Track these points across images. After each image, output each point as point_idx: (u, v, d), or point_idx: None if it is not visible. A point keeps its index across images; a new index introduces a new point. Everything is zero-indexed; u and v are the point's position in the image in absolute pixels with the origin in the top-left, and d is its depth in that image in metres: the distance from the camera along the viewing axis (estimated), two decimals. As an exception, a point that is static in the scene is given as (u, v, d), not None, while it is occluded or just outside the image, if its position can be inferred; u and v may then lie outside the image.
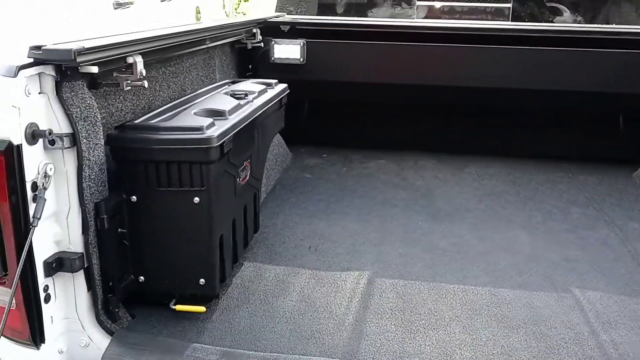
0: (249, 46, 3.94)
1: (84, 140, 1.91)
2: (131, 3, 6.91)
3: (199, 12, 9.27)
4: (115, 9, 6.77)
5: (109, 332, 2.05)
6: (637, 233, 3.10)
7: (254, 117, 2.52)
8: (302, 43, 3.98)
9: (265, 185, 3.52)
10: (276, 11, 4.79)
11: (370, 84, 4.12)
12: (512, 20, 4.57)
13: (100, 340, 2.03)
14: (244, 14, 12.78)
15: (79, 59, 1.78)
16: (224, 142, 2.12)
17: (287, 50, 4.03)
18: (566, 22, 4.55)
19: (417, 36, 4.00)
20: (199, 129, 2.08)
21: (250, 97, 2.64)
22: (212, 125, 2.14)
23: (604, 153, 4.26)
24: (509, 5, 4.58)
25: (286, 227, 3.06)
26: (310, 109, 4.60)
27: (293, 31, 4.08)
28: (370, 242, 2.92)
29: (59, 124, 1.86)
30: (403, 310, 2.31)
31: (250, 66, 4.07)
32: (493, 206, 3.45)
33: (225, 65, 3.68)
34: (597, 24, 4.60)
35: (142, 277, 2.21)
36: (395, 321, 2.24)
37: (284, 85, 3.12)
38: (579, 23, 4.61)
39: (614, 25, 4.47)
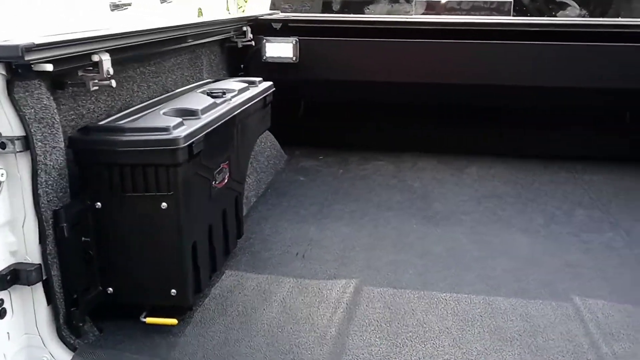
0: (240, 45, 3.81)
1: (39, 144, 1.78)
2: (129, 4, 6.80)
3: (202, 14, 9.17)
4: (112, 10, 6.66)
5: (72, 348, 1.92)
6: None
7: (231, 116, 2.38)
8: (294, 41, 3.84)
9: (256, 188, 3.39)
10: (270, 9, 4.66)
11: (367, 83, 3.98)
12: (513, 15, 4.41)
13: (62, 357, 1.91)
14: (249, 16, 12.64)
15: (28, 57, 1.66)
16: (192, 142, 1.98)
17: (280, 49, 3.90)
18: (569, 16, 4.38)
19: (414, 33, 3.85)
20: (165, 129, 1.95)
21: (228, 95, 2.51)
22: (180, 125, 2.00)
23: (610, 151, 4.08)
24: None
25: (274, 233, 2.92)
26: (307, 109, 4.47)
27: (285, 29, 3.95)
28: (361, 248, 2.78)
29: (11, 126, 1.74)
30: (390, 322, 2.16)
31: (242, 65, 3.94)
32: (492, 208, 3.29)
33: (214, 64, 3.56)
34: (601, 17, 4.42)
35: (110, 289, 2.08)
36: (381, 334, 2.09)
37: (268, 84, 2.98)
38: (582, 17, 4.43)
39: (618, 19, 4.29)
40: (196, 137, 2.02)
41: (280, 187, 3.58)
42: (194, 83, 3.11)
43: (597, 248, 2.79)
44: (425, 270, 2.55)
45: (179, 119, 2.04)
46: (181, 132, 1.96)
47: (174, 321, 2.07)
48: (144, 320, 2.08)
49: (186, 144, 1.94)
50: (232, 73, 3.84)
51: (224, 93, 2.52)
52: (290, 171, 3.88)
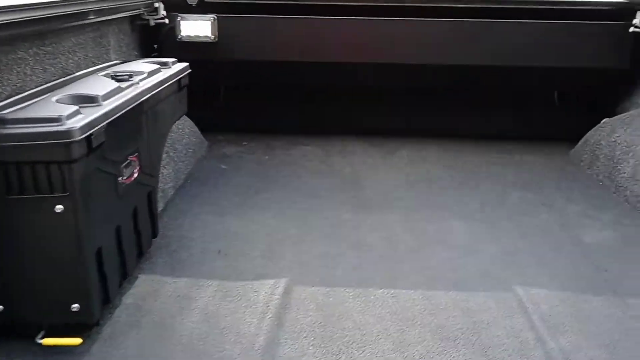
0: (152, 23, 3.49)
1: None
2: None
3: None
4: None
5: (-49, 381, 1.63)
6: (577, 216, 2.87)
7: (139, 102, 2.10)
8: (212, 19, 3.56)
9: (174, 180, 3.11)
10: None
11: (291, 63, 3.76)
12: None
13: (-61, 393, 1.61)
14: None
15: None
16: (92, 134, 1.70)
17: (196, 27, 3.61)
18: None
19: (340, 10, 3.65)
20: (56, 119, 1.66)
21: (135, 78, 2.22)
22: (75, 114, 1.72)
23: (540, 130, 4.04)
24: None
25: (194, 228, 2.67)
26: (228, 92, 4.19)
27: (202, 5, 3.65)
28: (289, 241, 2.57)
29: None
30: (324, 326, 1.97)
31: (155, 46, 3.63)
32: (426, 193, 3.15)
33: (123, 44, 3.23)
34: None
35: (0, 307, 1.78)
36: (315, 340, 1.90)
37: (183, 65, 2.70)
38: None
39: None
40: (96, 128, 1.73)
41: (200, 176, 3.32)
42: (99, 65, 2.79)
43: (533, 232, 2.70)
44: (359, 264, 2.38)
45: (74, 107, 1.75)
46: (76, 123, 1.67)
47: (77, 340, 1.80)
48: (41, 341, 1.79)
49: (83, 136, 1.66)
50: (145, 54, 3.53)
51: (130, 76, 2.22)
52: (211, 159, 3.62)
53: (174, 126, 3.17)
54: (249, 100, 4.20)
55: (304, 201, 3.01)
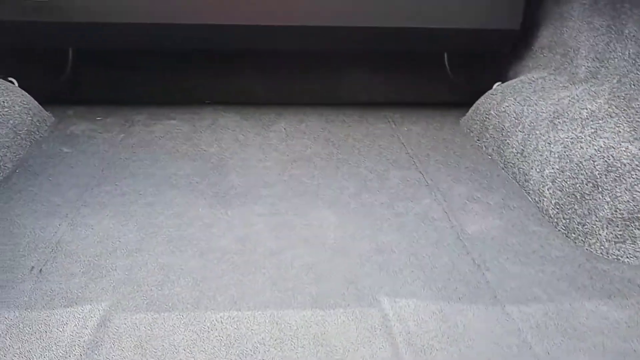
0: None
1: None
2: None
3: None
4: None
5: None
6: (462, 200, 2.58)
7: None
8: None
9: (-4, 170, 2.58)
10: None
11: (152, 25, 3.24)
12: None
13: None
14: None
15: None
16: None
17: None
18: None
19: None
20: None
21: None
22: None
23: (430, 97, 3.74)
24: None
25: (6, 236, 2.18)
26: (78, 58, 3.61)
27: None
28: (123, 250, 2.13)
29: None
30: (140, 371, 1.57)
31: None
32: (299, 176, 2.78)
33: None
34: None
35: None
36: (123, 395, 1.50)
37: None
38: None
39: None
40: None
41: (34, 164, 2.79)
42: None
43: (413, 222, 2.39)
44: (201, 279, 1.98)
45: None
46: None
47: None
48: None
49: None
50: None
51: None
52: (53, 140, 3.08)
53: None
54: (105, 66, 3.65)
55: (154, 193, 2.56)
